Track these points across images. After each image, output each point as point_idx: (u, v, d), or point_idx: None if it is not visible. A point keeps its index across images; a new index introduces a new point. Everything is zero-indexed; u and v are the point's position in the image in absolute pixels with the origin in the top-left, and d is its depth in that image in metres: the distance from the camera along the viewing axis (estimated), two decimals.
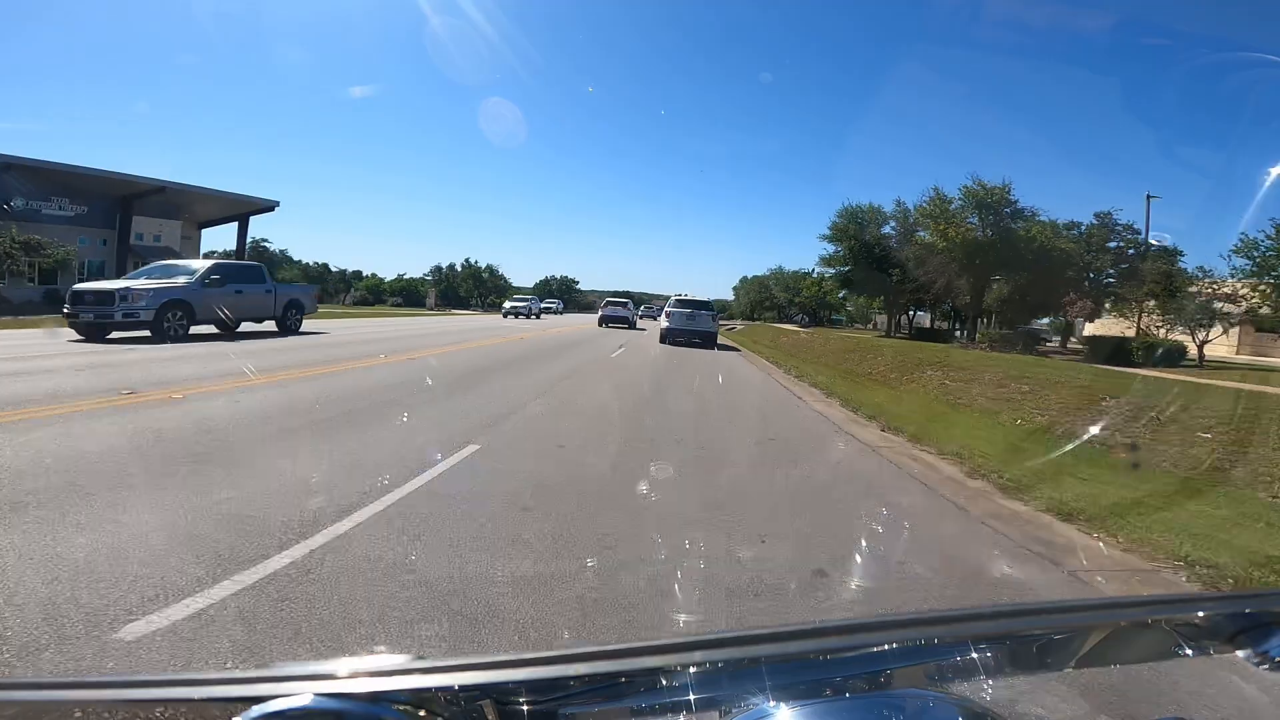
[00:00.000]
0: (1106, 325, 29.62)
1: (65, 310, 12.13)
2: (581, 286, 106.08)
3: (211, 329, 14.04)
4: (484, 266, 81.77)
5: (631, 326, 28.72)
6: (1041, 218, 28.87)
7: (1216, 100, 34.70)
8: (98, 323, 11.91)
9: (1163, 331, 23.09)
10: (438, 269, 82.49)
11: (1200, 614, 0.80)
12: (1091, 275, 29.11)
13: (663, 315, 21.54)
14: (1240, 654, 0.74)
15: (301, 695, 0.52)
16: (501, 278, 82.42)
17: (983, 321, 33.84)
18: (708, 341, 20.04)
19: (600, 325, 27.80)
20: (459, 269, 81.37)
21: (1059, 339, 33.61)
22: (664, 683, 0.60)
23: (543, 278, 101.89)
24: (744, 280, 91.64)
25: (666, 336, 20.01)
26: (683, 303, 21.09)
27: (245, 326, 15.24)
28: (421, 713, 0.54)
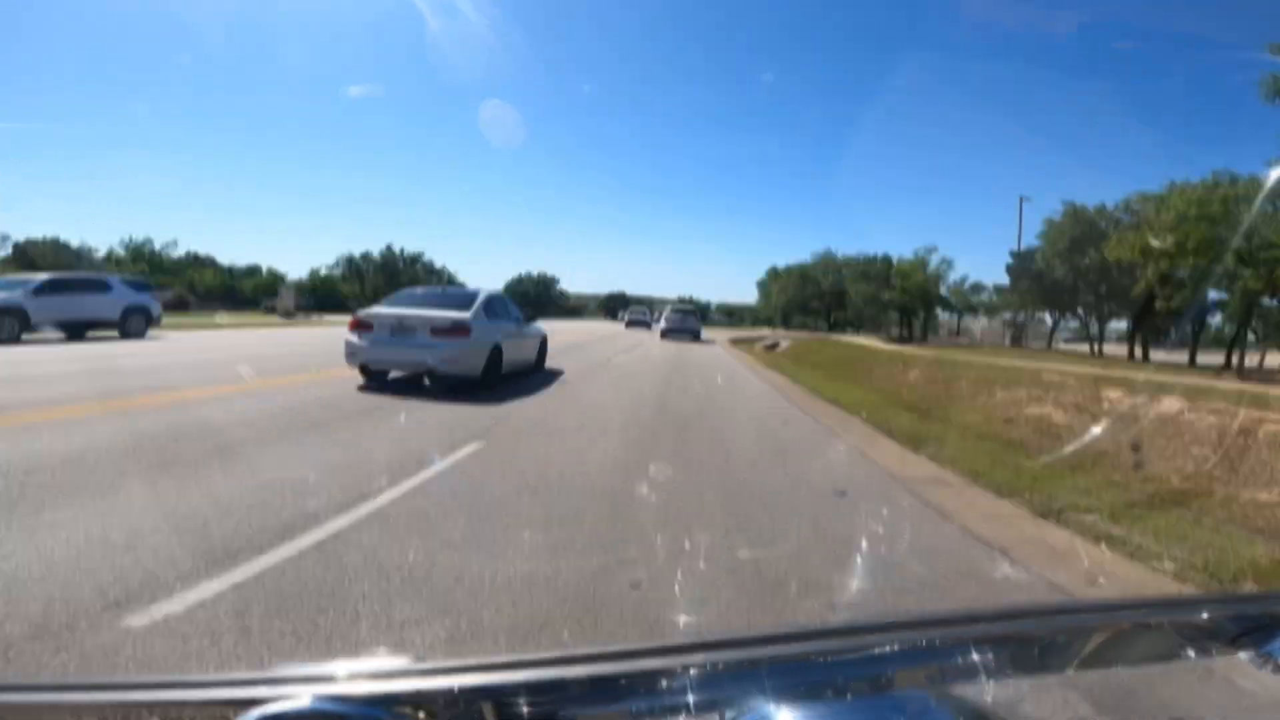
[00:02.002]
0: None
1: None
2: (565, 287, 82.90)
3: None
4: (408, 255, 59.30)
5: (649, 328, 36.08)
6: None
7: (1217, 98, 34.79)
8: None
9: None
10: (349, 260, 58.56)
11: (1203, 616, 0.80)
12: None
13: (663, 318, 28.88)
14: (1243, 656, 0.74)
15: (300, 697, 0.52)
16: (440, 272, 58.54)
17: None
18: (696, 336, 27.50)
19: (626, 328, 36.74)
20: (378, 257, 58.72)
21: None
22: (664, 685, 0.60)
23: (515, 275, 77.81)
24: (773, 273, 58.01)
25: (665, 334, 27.02)
26: (677, 309, 29.92)
27: None
28: (421, 715, 0.54)
